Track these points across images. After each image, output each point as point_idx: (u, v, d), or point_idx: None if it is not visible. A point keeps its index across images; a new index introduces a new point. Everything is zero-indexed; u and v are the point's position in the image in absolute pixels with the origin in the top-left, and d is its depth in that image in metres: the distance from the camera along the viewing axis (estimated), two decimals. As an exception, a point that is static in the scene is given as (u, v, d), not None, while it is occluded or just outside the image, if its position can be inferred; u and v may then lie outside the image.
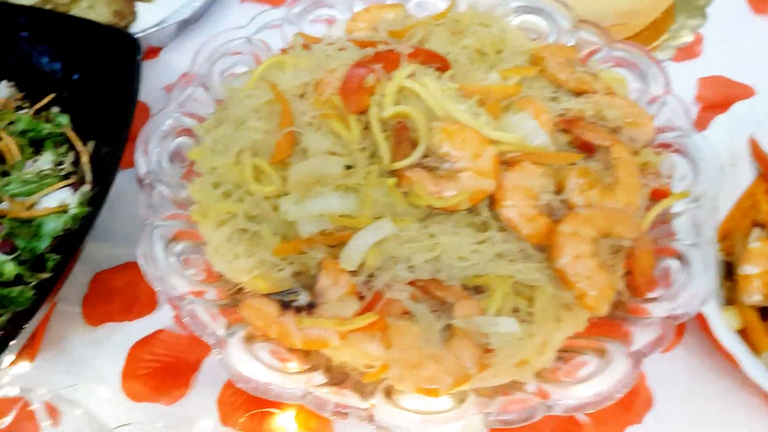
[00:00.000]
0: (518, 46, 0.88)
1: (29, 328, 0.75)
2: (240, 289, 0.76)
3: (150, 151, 0.84)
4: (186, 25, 1.18)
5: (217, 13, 1.24)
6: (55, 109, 1.00)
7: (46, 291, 0.77)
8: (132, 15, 1.16)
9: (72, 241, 0.84)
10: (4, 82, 1.03)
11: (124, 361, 0.87)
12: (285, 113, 0.80)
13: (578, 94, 0.83)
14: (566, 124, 0.79)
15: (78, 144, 0.94)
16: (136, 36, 0.94)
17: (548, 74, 0.84)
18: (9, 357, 0.77)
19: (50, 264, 0.84)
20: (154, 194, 0.80)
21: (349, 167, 0.75)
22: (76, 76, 1.00)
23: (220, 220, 0.79)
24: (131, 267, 0.92)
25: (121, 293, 0.92)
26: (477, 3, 0.94)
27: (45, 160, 0.92)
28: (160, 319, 0.90)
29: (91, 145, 0.95)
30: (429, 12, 0.93)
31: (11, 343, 0.73)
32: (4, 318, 0.79)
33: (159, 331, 0.90)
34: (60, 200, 0.91)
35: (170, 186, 0.82)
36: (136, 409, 0.84)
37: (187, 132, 0.87)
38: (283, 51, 0.94)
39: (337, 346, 0.68)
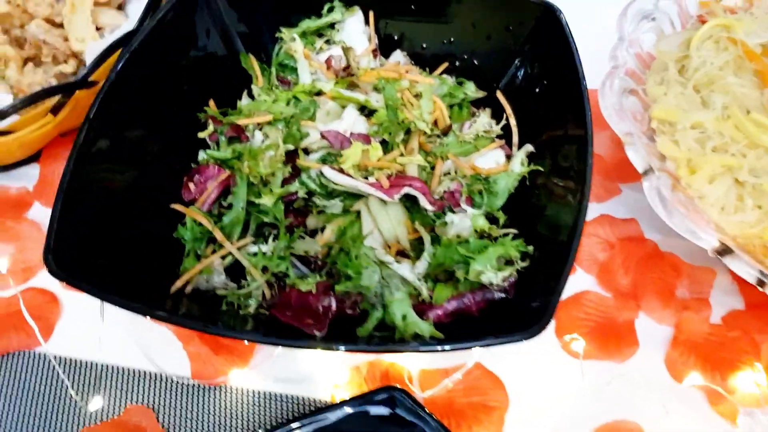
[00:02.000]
0: None
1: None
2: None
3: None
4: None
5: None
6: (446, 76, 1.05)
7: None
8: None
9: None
10: (398, 52, 1.05)
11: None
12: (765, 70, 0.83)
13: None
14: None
15: (507, 107, 0.97)
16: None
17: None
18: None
19: (502, 221, 0.90)
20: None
21: None
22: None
23: (712, 174, 0.82)
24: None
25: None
26: None
27: (481, 123, 0.95)
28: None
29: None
30: None
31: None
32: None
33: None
34: (495, 160, 0.94)
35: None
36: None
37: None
38: (700, 18, 0.97)
39: None
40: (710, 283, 0.96)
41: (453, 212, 0.88)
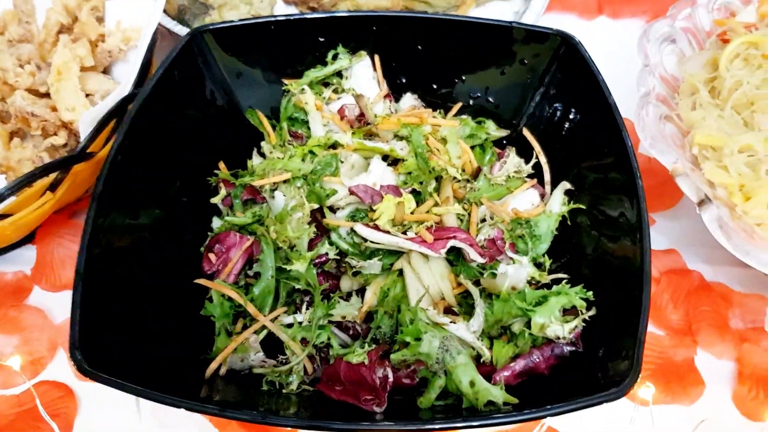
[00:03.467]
0: None
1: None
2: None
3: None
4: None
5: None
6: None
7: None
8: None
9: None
10: (408, 95, 1.01)
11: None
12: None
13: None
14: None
15: (536, 145, 0.92)
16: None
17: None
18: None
19: (547, 266, 0.85)
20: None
21: None
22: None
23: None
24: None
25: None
26: None
27: (512, 163, 0.90)
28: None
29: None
30: None
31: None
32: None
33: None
34: (530, 201, 0.90)
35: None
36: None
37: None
38: (721, 36, 0.95)
39: None
40: (763, 311, 0.91)
41: (499, 261, 0.82)
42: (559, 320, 0.75)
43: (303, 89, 0.94)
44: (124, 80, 0.98)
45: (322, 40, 0.99)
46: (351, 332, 0.84)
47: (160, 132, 0.89)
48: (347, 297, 0.86)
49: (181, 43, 0.91)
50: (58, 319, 0.97)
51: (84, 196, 1.05)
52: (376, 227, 0.81)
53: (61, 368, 0.94)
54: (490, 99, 1.02)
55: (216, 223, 0.92)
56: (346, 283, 0.86)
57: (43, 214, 0.92)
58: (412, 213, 0.83)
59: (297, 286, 0.83)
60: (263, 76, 1.01)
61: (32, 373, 0.93)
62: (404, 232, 0.81)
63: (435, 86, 1.04)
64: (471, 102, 1.03)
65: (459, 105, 1.02)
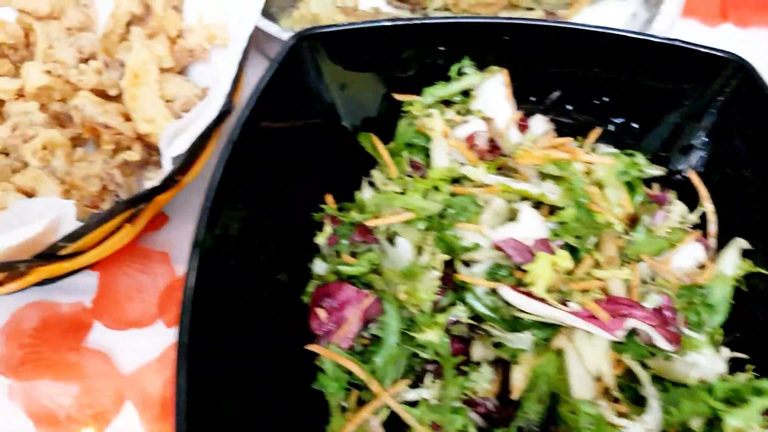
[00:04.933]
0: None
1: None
2: None
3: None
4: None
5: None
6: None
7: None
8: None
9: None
10: (538, 116, 0.85)
11: None
12: None
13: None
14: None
15: (702, 190, 0.77)
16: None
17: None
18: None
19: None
20: None
21: None
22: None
23: None
24: None
25: None
26: None
27: (676, 211, 0.75)
28: None
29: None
30: None
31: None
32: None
33: None
34: (693, 258, 0.74)
35: None
36: None
37: None
38: None
39: None
40: None
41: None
42: (759, 425, 0.60)
43: (430, 112, 0.78)
44: (212, 87, 0.83)
45: (442, 49, 0.83)
46: (482, 411, 0.70)
47: (262, 158, 0.74)
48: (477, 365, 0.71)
49: (285, 48, 0.76)
50: (124, 365, 0.84)
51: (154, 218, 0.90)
52: (529, 294, 0.65)
53: (129, 425, 0.80)
54: (634, 125, 0.86)
55: (319, 266, 0.78)
56: (479, 352, 0.71)
57: (117, 248, 0.77)
58: (568, 274, 0.68)
59: (424, 356, 0.69)
60: (371, 90, 0.85)
61: (95, 429, 0.79)
62: (562, 301, 0.66)
63: (569, 107, 0.87)
64: (611, 128, 0.87)
65: (598, 131, 0.86)
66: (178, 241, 0.91)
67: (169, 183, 0.75)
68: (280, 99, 0.77)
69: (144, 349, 0.84)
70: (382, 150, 0.80)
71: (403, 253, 0.72)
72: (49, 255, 0.69)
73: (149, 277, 0.88)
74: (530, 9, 1.16)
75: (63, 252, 0.71)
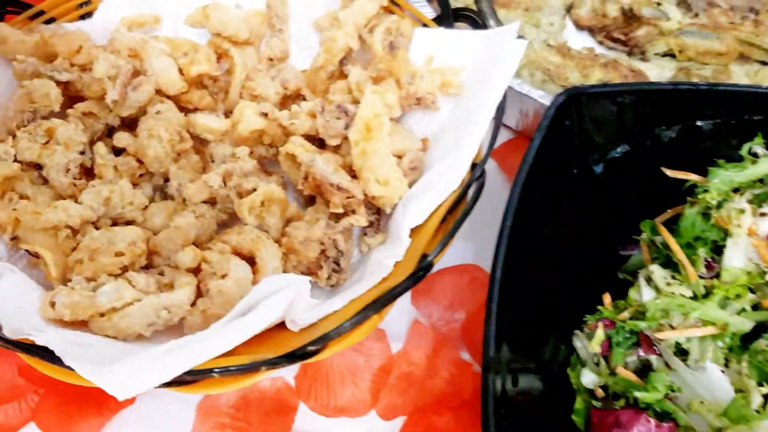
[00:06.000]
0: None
1: None
2: None
3: None
4: None
5: None
6: None
7: None
8: None
9: None
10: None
11: None
12: None
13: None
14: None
15: None
16: None
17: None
18: None
19: None
20: None
21: None
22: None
23: None
24: None
25: None
26: None
27: None
28: None
29: None
30: None
31: None
32: None
33: None
34: None
35: None
36: None
37: None
38: None
39: None
40: None
41: None
42: None
43: (741, 209, 0.65)
44: (437, 141, 0.73)
45: (717, 122, 0.71)
46: None
47: (529, 243, 0.62)
48: None
49: (553, 107, 0.64)
50: (336, 460, 0.72)
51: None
52: None
53: None
54: None
55: (587, 378, 0.65)
56: None
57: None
58: None
59: None
60: (629, 159, 0.73)
61: None
62: None
63: None
64: None
65: None
66: (394, 317, 0.80)
67: (427, 268, 0.63)
68: (545, 167, 0.66)
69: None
70: (676, 247, 0.67)
71: (716, 385, 0.59)
72: (301, 354, 0.59)
73: (363, 357, 0.77)
74: (765, 63, 1.02)
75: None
